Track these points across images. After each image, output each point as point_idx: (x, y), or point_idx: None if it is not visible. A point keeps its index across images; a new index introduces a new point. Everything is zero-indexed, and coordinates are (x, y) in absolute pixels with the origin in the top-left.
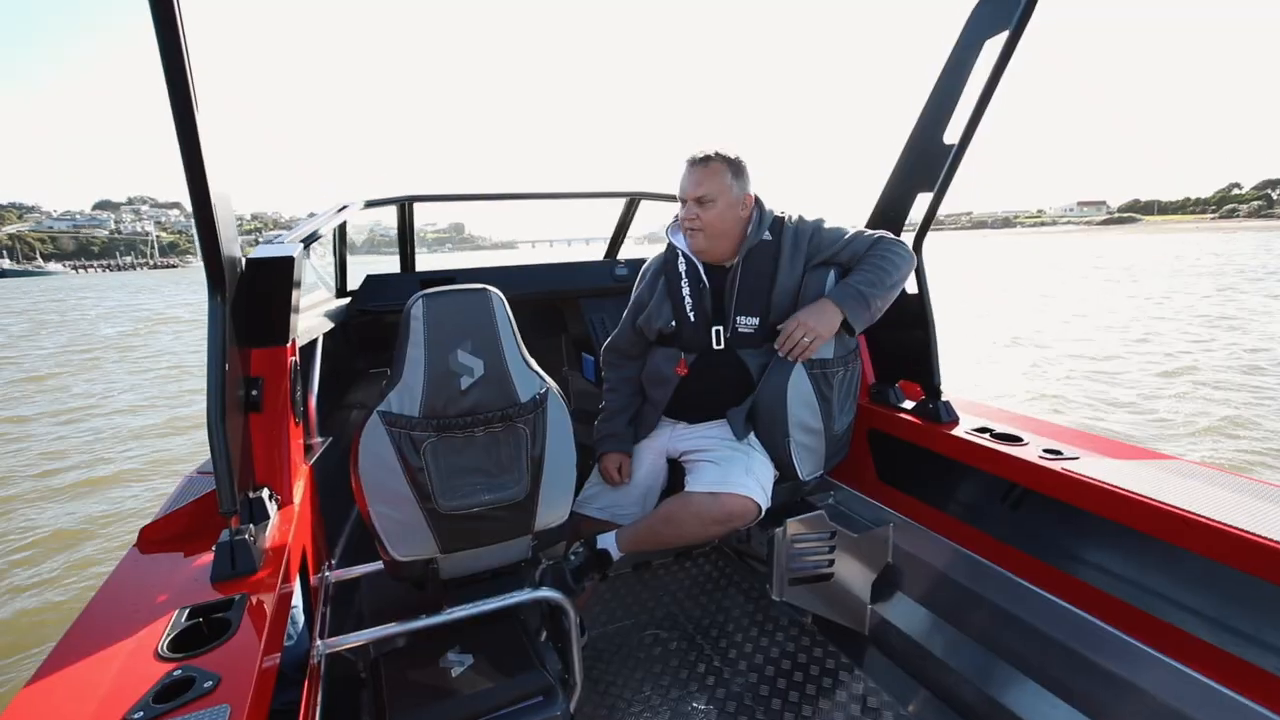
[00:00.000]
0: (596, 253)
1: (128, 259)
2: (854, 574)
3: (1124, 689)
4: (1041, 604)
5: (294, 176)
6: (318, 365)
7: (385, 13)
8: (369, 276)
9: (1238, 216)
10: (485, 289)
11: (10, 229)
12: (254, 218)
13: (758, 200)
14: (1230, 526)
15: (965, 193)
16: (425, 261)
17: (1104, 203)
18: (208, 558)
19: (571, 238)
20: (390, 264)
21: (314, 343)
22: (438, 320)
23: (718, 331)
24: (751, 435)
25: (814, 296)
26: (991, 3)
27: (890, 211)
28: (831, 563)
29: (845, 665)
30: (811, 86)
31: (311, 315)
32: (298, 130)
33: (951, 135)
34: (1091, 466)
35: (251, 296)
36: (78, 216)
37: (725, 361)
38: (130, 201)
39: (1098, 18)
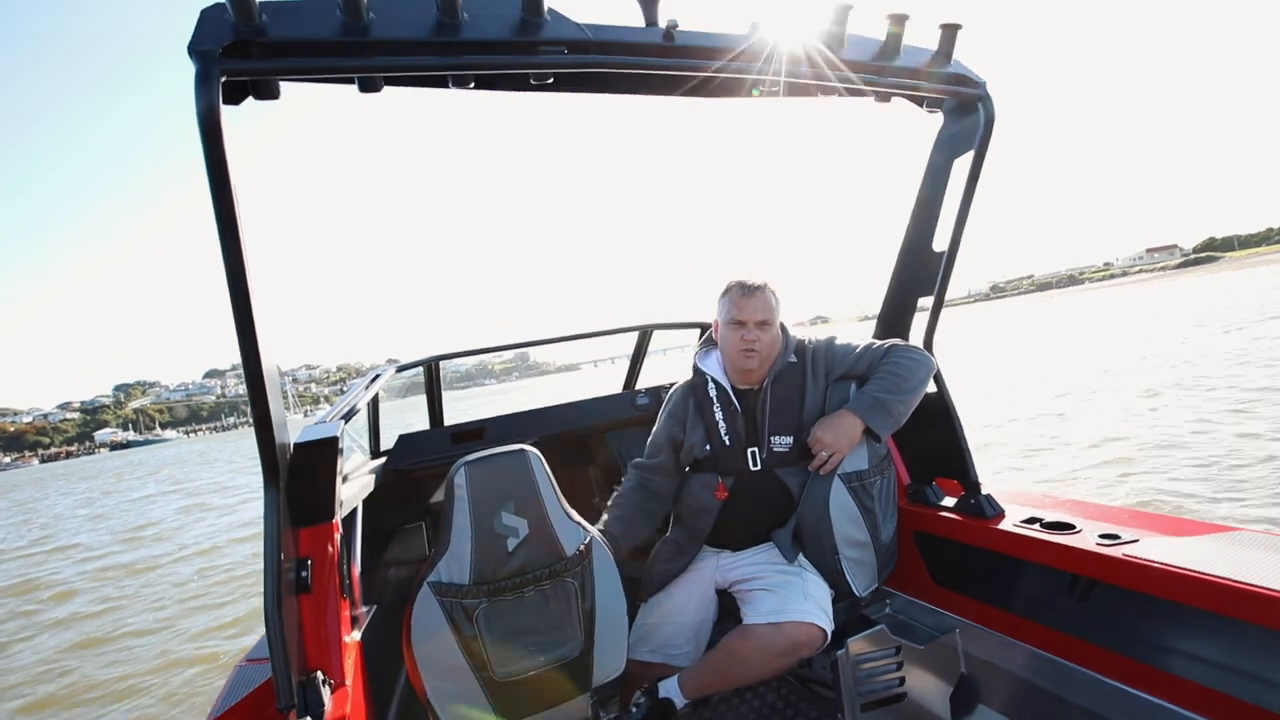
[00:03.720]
0: (659, 365)
1: (230, 419)
2: (929, 689)
3: None
4: (1129, 701)
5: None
6: (359, 533)
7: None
8: (401, 437)
9: None
10: (524, 450)
11: (135, 404)
12: (339, 369)
13: (783, 326)
14: None
15: (1024, 254)
16: (493, 391)
17: (1176, 246)
18: None
19: (653, 349)
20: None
21: (354, 510)
22: (481, 486)
23: (753, 453)
24: (801, 556)
25: (837, 409)
26: (954, 128)
27: (894, 317)
28: (903, 680)
29: None
30: (800, 205)
31: (352, 483)
32: (366, 284)
33: (940, 243)
34: (1153, 548)
35: (299, 479)
36: (190, 385)
37: (763, 482)
38: (234, 368)
39: (1144, 51)
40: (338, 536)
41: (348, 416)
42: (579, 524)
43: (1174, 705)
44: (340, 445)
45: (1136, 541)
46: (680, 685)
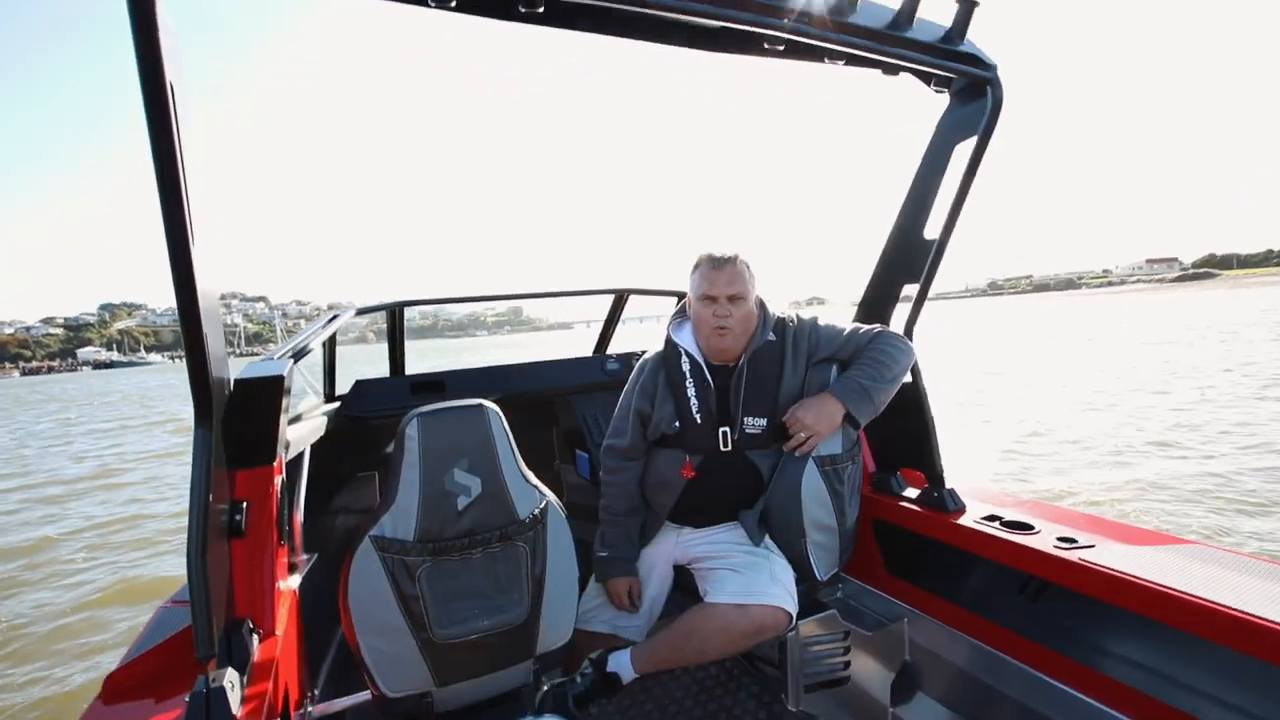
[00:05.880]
0: (634, 333)
1: None
2: (872, 675)
3: None
4: (1066, 700)
5: (360, 268)
6: (304, 478)
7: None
8: (358, 382)
9: None
10: (481, 405)
11: (120, 325)
12: (330, 306)
13: (761, 301)
14: (1254, 617)
15: (1025, 254)
16: (483, 343)
17: (1176, 259)
18: (182, 708)
19: (626, 317)
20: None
21: (301, 455)
22: (434, 439)
23: (724, 433)
24: (766, 538)
25: (817, 393)
26: (959, 111)
27: (877, 302)
28: (848, 664)
29: None
30: (789, 184)
31: (300, 426)
32: (327, 216)
33: (932, 231)
34: (1108, 555)
35: (239, 417)
36: (176, 310)
37: (733, 463)
38: (222, 297)
39: (1155, 62)
40: (279, 480)
41: (298, 355)
42: (535, 487)
43: (1106, 706)
44: (288, 385)
45: (1093, 547)
46: (632, 659)
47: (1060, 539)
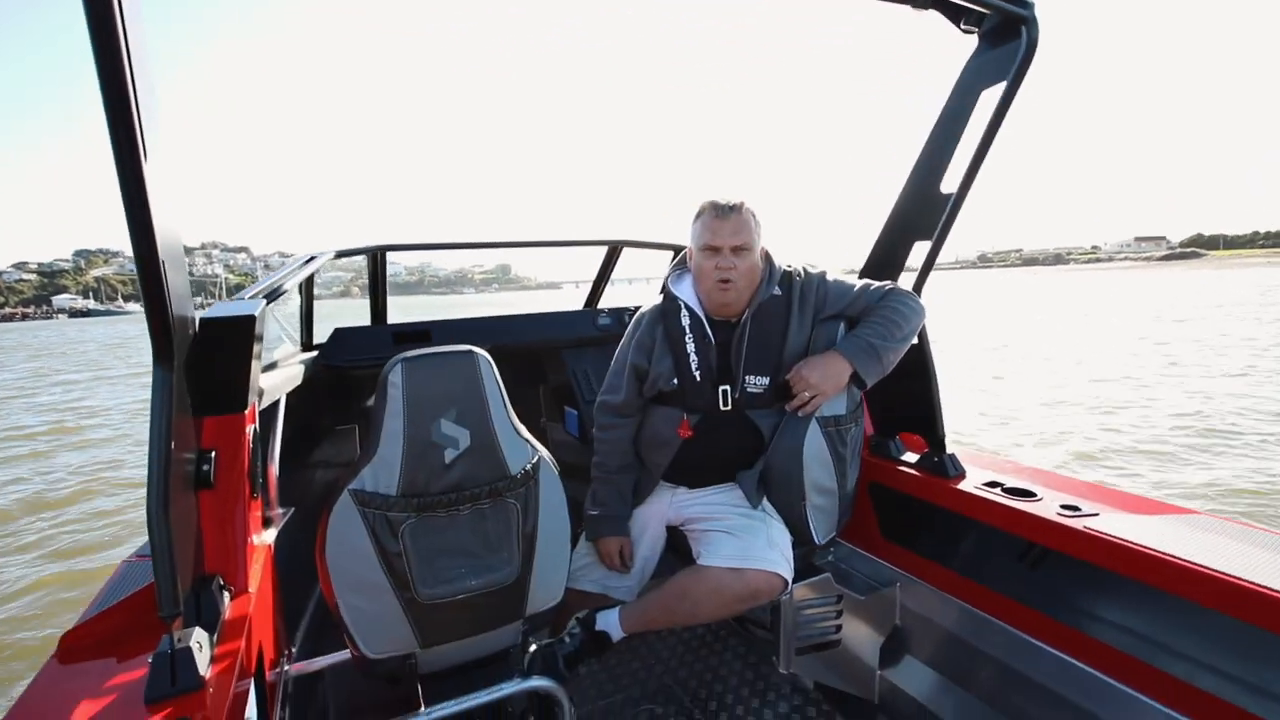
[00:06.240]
0: (621, 295)
1: (198, 299)
2: (861, 638)
3: None
4: (1056, 664)
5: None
6: (280, 428)
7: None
8: (337, 330)
9: None
10: (471, 351)
11: (97, 272)
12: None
13: (766, 253)
14: (1252, 583)
15: (1015, 228)
16: (470, 301)
17: (1164, 238)
18: (145, 669)
19: (616, 278)
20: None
21: (277, 404)
22: (419, 387)
23: (724, 392)
24: (765, 500)
25: (823, 350)
26: (987, 54)
27: (885, 259)
28: (839, 628)
29: None
30: (798, 134)
31: (274, 374)
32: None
33: (949, 184)
34: (1112, 523)
35: (206, 360)
36: None
37: (732, 422)
38: (203, 246)
39: (1149, 47)
40: (251, 429)
41: (271, 296)
42: (527, 441)
43: (1096, 670)
44: (260, 330)
45: (1096, 515)
46: (621, 619)
47: (1064, 506)
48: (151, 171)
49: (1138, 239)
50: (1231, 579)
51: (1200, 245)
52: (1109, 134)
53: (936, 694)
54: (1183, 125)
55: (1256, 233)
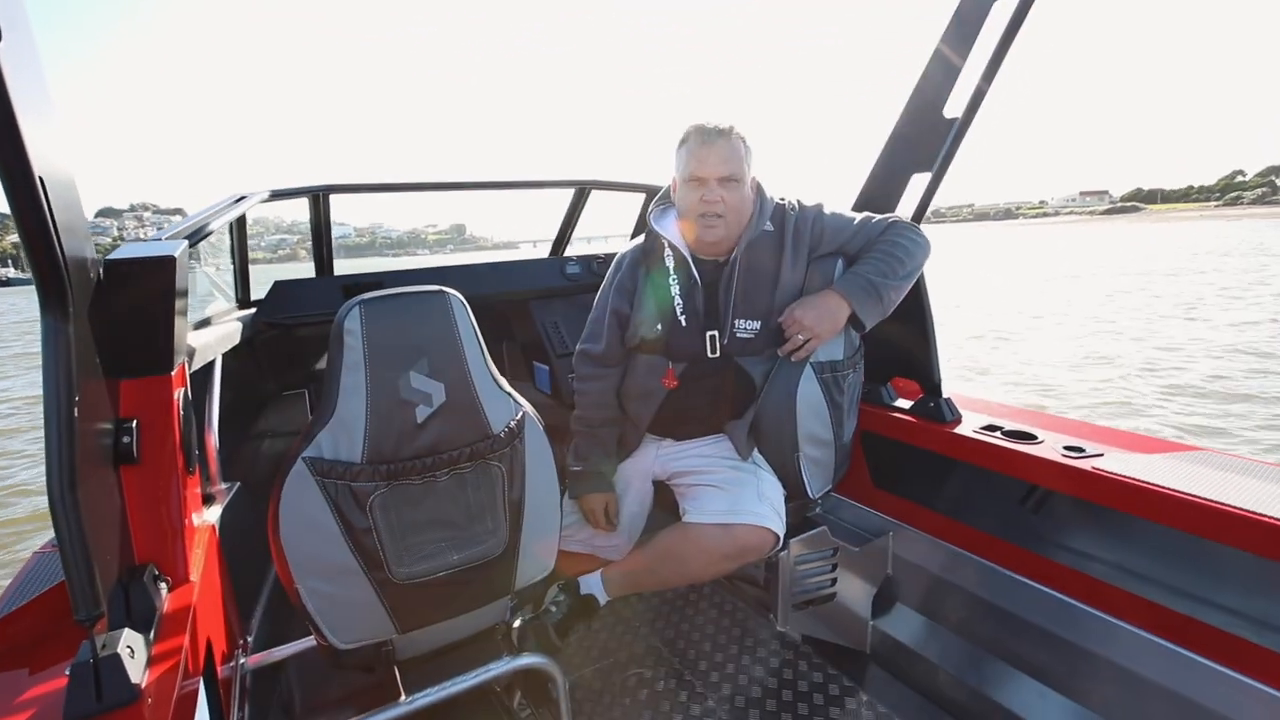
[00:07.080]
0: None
1: None
2: (854, 591)
3: (1150, 690)
4: (1057, 606)
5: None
6: (216, 393)
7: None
8: (277, 283)
9: (1242, 204)
10: (442, 291)
11: (14, 238)
12: (256, 222)
13: (758, 185)
14: (1268, 516)
15: (967, 184)
16: (424, 262)
17: (1106, 192)
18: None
19: (576, 236)
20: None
21: (211, 366)
22: (382, 335)
23: (712, 338)
24: (755, 452)
25: (819, 290)
26: None
27: (881, 193)
28: (834, 582)
29: (849, 689)
30: (778, 61)
31: (206, 331)
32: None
33: (953, 109)
34: (1119, 463)
35: (117, 311)
36: None
37: (720, 371)
38: (133, 208)
39: (1096, 6)
40: (181, 393)
41: (194, 237)
42: (509, 394)
43: (1098, 610)
44: (182, 276)
45: (1101, 455)
46: (605, 581)
47: (1067, 448)
48: (8, 50)
49: (1082, 193)
50: (1245, 513)
51: (1140, 199)
52: (1057, 89)
53: (930, 641)
54: (1127, 81)
55: (1191, 186)
